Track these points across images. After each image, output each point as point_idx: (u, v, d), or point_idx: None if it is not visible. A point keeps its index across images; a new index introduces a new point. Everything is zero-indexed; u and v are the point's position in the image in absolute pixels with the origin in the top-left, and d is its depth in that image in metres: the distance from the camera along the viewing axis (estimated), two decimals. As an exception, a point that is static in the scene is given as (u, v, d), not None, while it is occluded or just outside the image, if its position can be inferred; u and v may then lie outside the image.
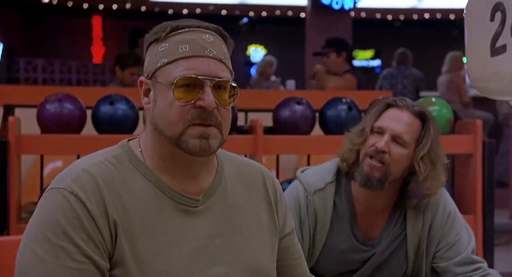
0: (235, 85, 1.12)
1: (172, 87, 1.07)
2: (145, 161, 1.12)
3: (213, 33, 1.12)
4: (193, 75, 1.07)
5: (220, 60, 1.10)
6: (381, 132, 1.64)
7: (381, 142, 1.62)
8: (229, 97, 1.11)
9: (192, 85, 1.08)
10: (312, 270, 1.51)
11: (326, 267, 1.73)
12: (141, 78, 1.15)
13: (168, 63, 1.09)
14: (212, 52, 1.10)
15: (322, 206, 1.69)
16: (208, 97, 1.07)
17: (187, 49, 1.09)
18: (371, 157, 1.64)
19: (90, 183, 1.06)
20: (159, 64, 1.10)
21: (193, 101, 1.07)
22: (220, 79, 1.09)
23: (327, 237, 1.70)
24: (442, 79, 6.31)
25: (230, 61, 1.14)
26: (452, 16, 12.24)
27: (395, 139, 1.63)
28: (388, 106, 1.68)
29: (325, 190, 1.70)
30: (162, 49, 1.11)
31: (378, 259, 1.72)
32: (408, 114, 1.65)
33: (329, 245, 1.71)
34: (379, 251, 1.71)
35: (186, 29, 1.11)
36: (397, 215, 1.72)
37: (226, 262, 1.12)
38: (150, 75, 1.12)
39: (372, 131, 1.67)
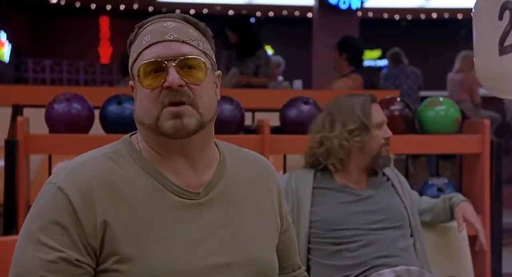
0: (203, 61, 1.11)
1: (139, 78, 1.10)
2: (144, 155, 1.13)
3: (177, 20, 1.14)
4: (152, 60, 1.09)
5: (184, 42, 1.11)
6: None
7: None
8: (205, 75, 1.11)
9: (158, 70, 1.09)
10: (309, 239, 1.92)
11: (326, 222, 1.93)
12: (130, 82, 1.17)
13: (136, 58, 1.12)
14: (173, 35, 1.11)
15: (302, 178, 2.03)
16: (171, 76, 1.08)
17: (149, 39, 1.11)
18: None
19: (81, 179, 1.08)
20: (131, 61, 1.14)
21: (160, 85, 1.09)
22: (181, 58, 1.09)
23: (311, 203, 1.96)
24: (453, 78, 6.27)
25: (204, 44, 1.14)
26: (460, 16, 12.19)
27: None
28: None
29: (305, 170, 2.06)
30: (133, 47, 1.14)
31: (372, 200, 1.96)
32: None
33: (318, 206, 1.96)
34: (371, 194, 1.98)
35: (149, 23, 1.14)
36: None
37: (227, 253, 1.12)
38: (132, 76, 1.15)
39: None
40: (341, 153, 1.95)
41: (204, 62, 1.11)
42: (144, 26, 1.14)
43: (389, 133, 2.00)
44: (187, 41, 1.11)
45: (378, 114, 1.98)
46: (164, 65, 1.09)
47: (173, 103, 1.09)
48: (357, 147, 1.94)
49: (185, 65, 1.10)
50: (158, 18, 1.14)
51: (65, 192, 1.07)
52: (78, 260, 1.05)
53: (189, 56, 1.10)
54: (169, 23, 1.13)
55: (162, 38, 1.10)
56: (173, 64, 1.09)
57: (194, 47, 1.12)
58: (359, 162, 1.98)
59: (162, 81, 1.09)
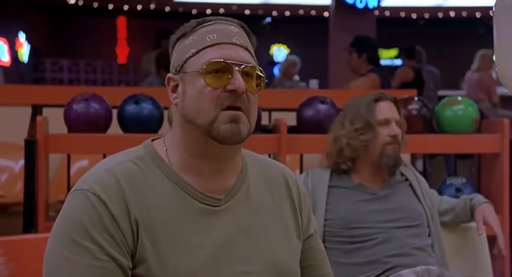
0: (261, 74, 1.13)
1: (202, 73, 1.09)
2: (169, 161, 1.13)
3: (238, 26, 1.15)
4: (221, 60, 1.09)
5: (246, 49, 1.13)
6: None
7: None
8: (256, 86, 1.13)
9: (221, 71, 1.09)
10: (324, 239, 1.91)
11: (339, 220, 1.94)
12: (169, 74, 1.16)
13: (196, 52, 1.12)
14: (239, 40, 1.12)
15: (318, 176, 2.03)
16: (238, 80, 1.09)
17: (215, 37, 1.11)
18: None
19: (112, 184, 1.07)
20: (187, 55, 1.12)
21: (223, 86, 1.09)
22: (248, 65, 1.11)
23: (327, 197, 1.97)
24: (470, 77, 6.24)
25: (254, 55, 1.16)
26: (478, 14, 12.09)
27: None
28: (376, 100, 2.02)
29: (323, 169, 2.05)
30: (189, 42, 1.13)
31: (389, 199, 1.96)
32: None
33: (333, 204, 1.97)
34: (387, 193, 1.98)
35: (212, 22, 1.14)
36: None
37: (249, 260, 1.12)
38: (178, 69, 1.14)
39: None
40: (349, 152, 1.98)
41: (257, 74, 1.13)
42: (205, 24, 1.14)
43: (395, 131, 1.96)
44: (248, 49, 1.14)
45: (383, 112, 1.98)
46: (230, 67, 1.09)
47: (231, 107, 1.09)
48: (362, 145, 1.96)
49: (246, 73, 1.11)
50: (218, 19, 1.15)
51: (101, 198, 1.06)
52: (127, 265, 1.05)
53: (251, 65, 1.11)
54: (232, 27, 1.14)
55: (229, 40, 1.11)
56: (238, 69, 1.10)
57: (251, 56, 1.14)
58: (367, 162, 1.99)
59: (226, 83, 1.09)
